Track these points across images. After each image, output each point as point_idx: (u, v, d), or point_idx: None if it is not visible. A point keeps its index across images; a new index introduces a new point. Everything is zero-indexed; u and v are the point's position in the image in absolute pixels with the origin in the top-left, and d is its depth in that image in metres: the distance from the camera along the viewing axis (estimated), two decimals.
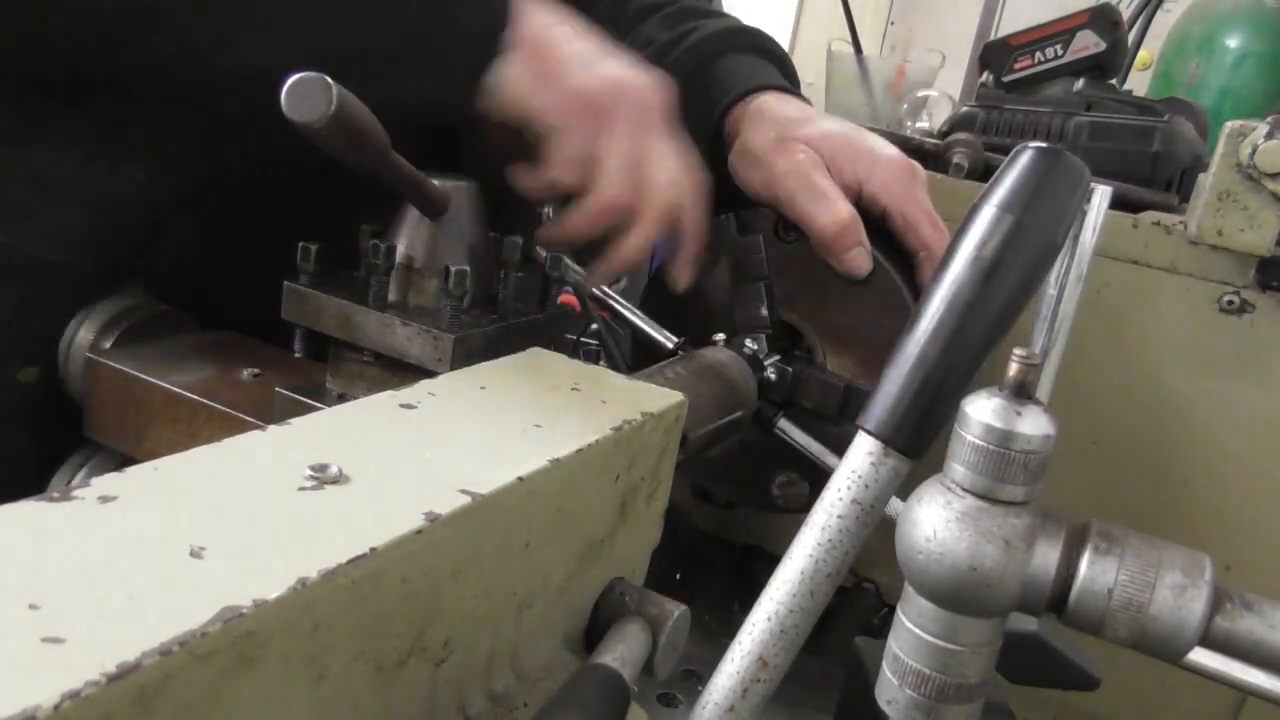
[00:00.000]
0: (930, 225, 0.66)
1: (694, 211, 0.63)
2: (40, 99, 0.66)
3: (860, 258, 0.65)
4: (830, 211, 0.65)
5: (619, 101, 0.59)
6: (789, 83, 0.79)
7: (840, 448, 0.62)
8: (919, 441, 0.36)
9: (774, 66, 0.83)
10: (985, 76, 0.99)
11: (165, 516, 0.27)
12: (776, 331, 0.67)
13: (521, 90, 0.59)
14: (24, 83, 0.65)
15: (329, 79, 0.44)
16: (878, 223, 0.67)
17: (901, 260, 0.67)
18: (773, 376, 0.65)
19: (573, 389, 0.45)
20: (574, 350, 0.99)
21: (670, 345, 0.66)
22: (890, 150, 0.69)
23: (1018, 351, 0.34)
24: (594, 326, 0.94)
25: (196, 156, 0.69)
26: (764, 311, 0.66)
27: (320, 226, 0.58)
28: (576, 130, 0.58)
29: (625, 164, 0.59)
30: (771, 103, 0.73)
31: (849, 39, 1.32)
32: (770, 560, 0.51)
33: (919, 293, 0.66)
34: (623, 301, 0.69)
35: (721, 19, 0.84)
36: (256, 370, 0.63)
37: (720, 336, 0.66)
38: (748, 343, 0.66)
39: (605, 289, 0.69)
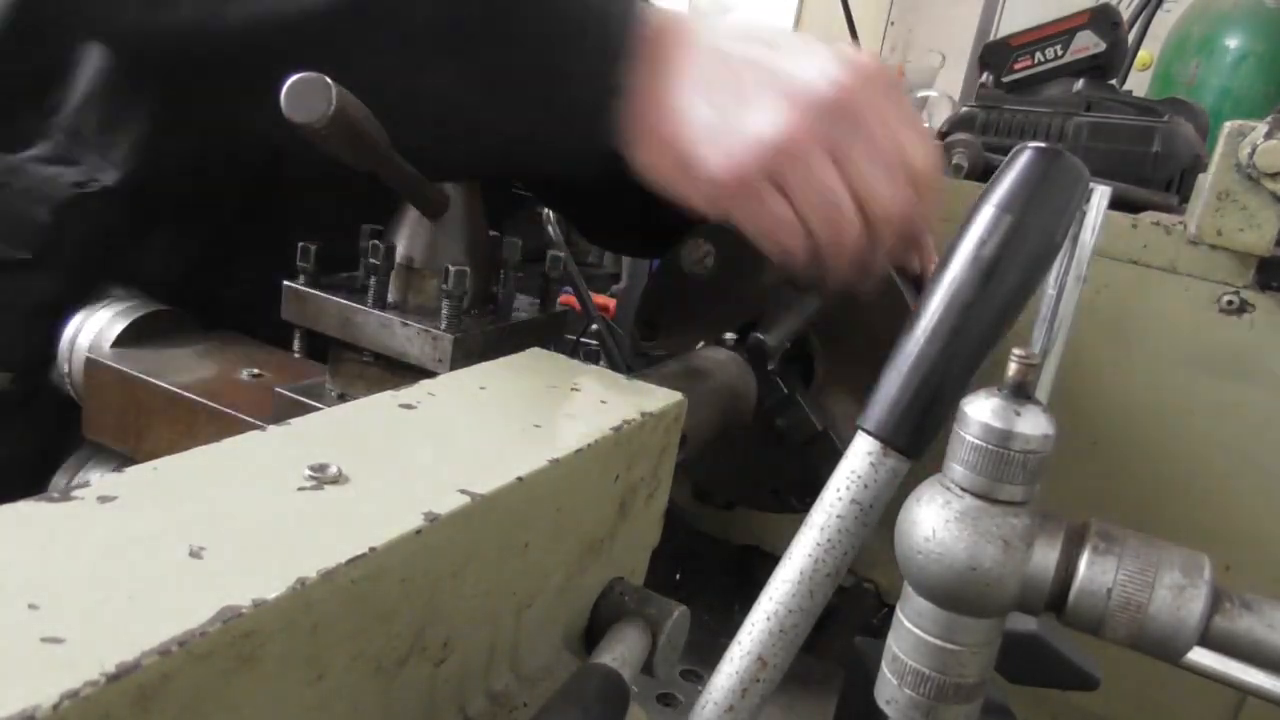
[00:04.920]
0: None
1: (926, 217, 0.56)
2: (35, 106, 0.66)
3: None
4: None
5: (773, 160, 0.50)
6: None
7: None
8: (918, 441, 0.36)
9: None
10: (985, 77, 0.99)
11: (165, 516, 0.27)
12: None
13: (665, 181, 0.53)
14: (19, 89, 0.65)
15: (328, 79, 0.44)
16: None
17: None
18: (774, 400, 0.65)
19: (573, 389, 0.45)
20: (574, 350, 0.99)
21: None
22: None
23: (1017, 351, 0.34)
24: (594, 326, 0.94)
25: (200, 159, 0.70)
26: (795, 327, 0.66)
27: (320, 226, 0.58)
28: (741, 210, 0.51)
29: (830, 217, 0.50)
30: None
31: (849, 39, 1.32)
32: (770, 560, 0.51)
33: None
34: None
35: None
36: (256, 370, 0.63)
37: (730, 336, 0.66)
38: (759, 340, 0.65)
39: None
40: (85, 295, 0.66)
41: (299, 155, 0.52)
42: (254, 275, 0.60)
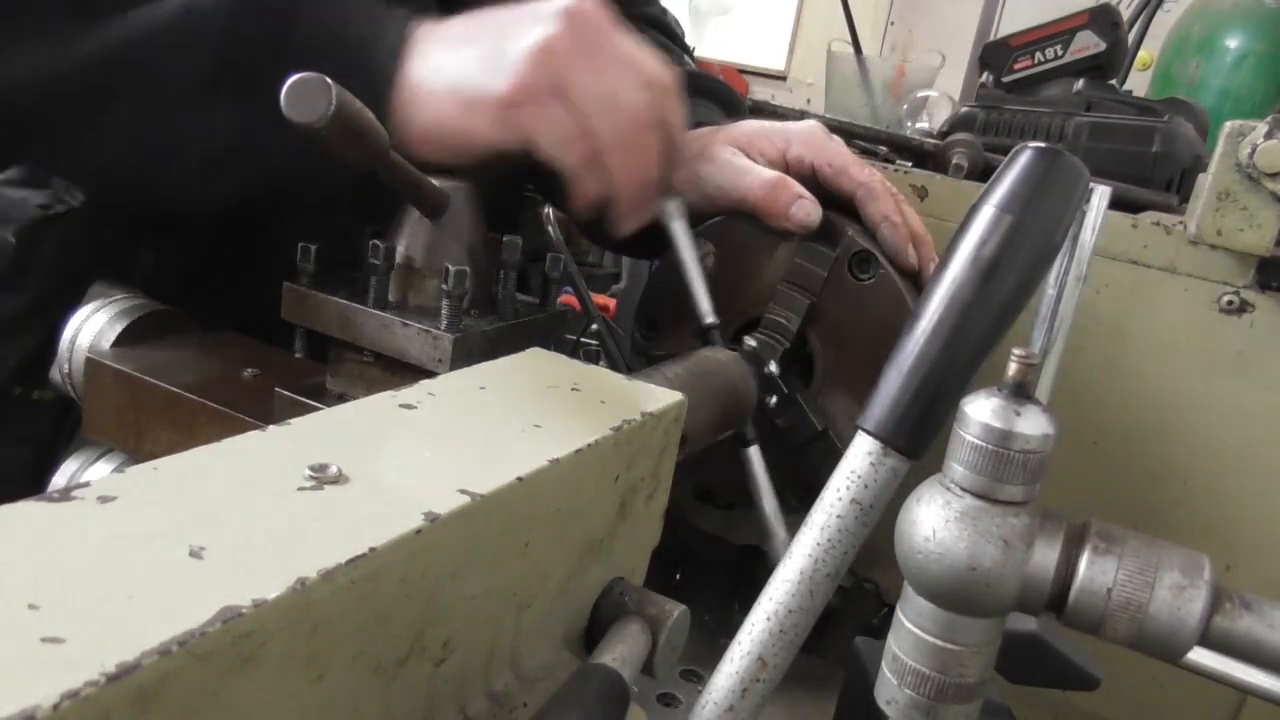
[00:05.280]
0: (856, 166, 0.69)
1: (677, 121, 0.61)
2: None
3: (804, 208, 0.66)
4: (756, 180, 0.66)
5: (545, 65, 0.54)
6: (733, 111, 0.79)
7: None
8: (918, 441, 0.36)
9: (711, 103, 0.83)
10: (985, 77, 0.99)
11: (165, 516, 0.27)
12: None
13: (454, 126, 0.56)
14: None
15: (328, 79, 0.44)
16: (810, 181, 0.69)
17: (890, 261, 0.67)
18: (772, 401, 0.65)
19: (573, 389, 0.45)
20: (574, 350, 0.99)
21: (706, 322, 0.65)
22: (800, 124, 0.72)
23: (1017, 351, 0.34)
24: (594, 326, 0.94)
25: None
26: (793, 327, 0.66)
27: (320, 226, 0.58)
28: (530, 119, 0.55)
29: (606, 108, 0.55)
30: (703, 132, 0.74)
31: (849, 39, 1.33)
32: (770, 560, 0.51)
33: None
34: (690, 252, 0.66)
35: None
36: (256, 370, 0.63)
37: (752, 342, 0.66)
38: (751, 343, 0.66)
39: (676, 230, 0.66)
40: (56, 311, 0.67)
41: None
42: (255, 275, 0.60)
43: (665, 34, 0.95)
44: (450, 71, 0.56)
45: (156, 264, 0.70)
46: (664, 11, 0.99)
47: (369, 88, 0.53)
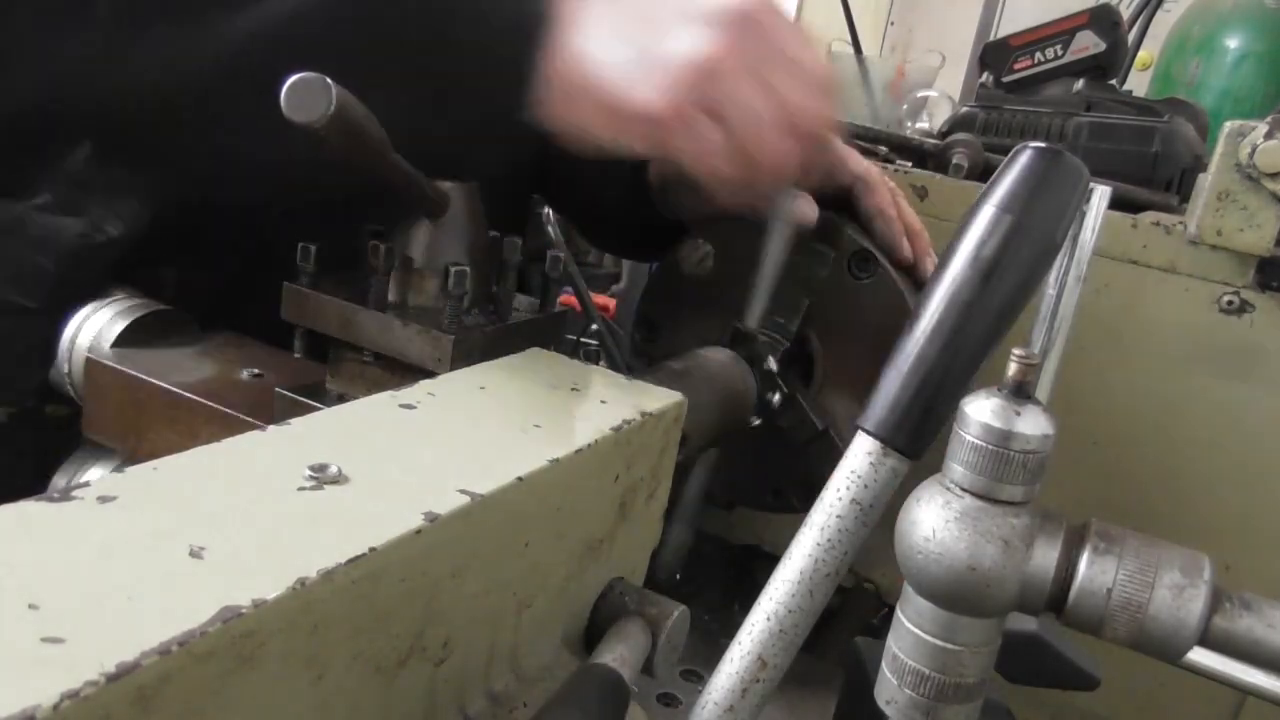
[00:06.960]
0: (854, 159, 0.67)
1: (833, 126, 0.57)
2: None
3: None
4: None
5: (705, 83, 0.49)
6: None
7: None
8: (918, 441, 0.36)
9: None
10: (985, 77, 0.99)
11: (165, 516, 0.27)
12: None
13: (598, 132, 0.51)
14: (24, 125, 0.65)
15: (329, 79, 0.44)
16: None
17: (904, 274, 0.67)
18: (775, 400, 0.65)
19: (573, 389, 0.45)
20: (574, 350, 0.99)
21: (746, 326, 0.64)
22: None
23: (1017, 351, 0.34)
24: (594, 326, 0.94)
25: (200, 171, 0.69)
26: (792, 327, 0.66)
27: (320, 226, 0.58)
28: (680, 140, 0.49)
29: (765, 127, 0.49)
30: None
31: (849, 39, 1.32)
32: (770, 560, 0.51)
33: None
34: (777, 256, 0.63)
35: None
36: (256, 370, 0.63)
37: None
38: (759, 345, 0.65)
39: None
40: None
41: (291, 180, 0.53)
42: (254, 276, 0.60)
43: None
44: (595, 68, 0.50)
45: (180, 283, 0.70)
46: None
47: (514, 74, 0.50)
